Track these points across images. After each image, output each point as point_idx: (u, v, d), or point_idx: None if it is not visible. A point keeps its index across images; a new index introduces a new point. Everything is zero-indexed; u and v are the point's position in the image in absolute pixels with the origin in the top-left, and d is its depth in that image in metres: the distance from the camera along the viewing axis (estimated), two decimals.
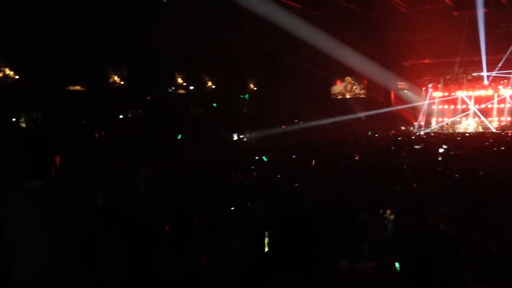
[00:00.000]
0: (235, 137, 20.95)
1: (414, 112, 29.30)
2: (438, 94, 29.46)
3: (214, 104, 23.23)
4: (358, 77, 29.07)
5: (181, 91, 23.67)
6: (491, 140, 16.78)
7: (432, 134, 24.47)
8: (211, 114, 21.88)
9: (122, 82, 20.52)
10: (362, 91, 29.98)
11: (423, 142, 16.22)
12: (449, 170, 8.30)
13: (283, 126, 22.54)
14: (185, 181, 7.17)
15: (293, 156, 11.67)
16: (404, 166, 8.84)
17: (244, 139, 21.25)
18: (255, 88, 26.67)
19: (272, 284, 1.78)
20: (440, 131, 26.98)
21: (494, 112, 27.69)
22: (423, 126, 28.88)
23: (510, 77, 25.46)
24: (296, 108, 25.24)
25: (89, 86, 18.74)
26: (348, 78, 29.97)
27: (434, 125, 29.34)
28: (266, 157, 11.05)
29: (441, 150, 12.50)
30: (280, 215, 1.92)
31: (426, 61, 26.58)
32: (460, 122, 28.40)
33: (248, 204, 5.43)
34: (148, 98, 20.25)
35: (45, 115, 15.89)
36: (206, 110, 22.57)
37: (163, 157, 10.08)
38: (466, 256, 3.19)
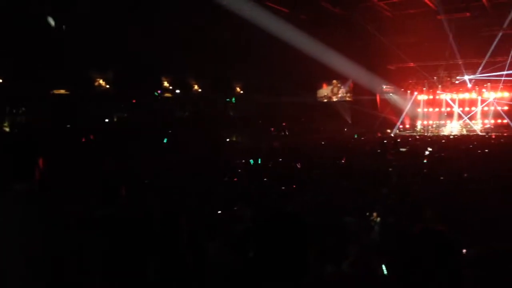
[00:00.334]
0: (223, 140, 20.91)
1: (400, 114, 29.61)
2: (423, 97, 29.82)
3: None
4: (344, 80, 29.32)
5: (167, 94, 23.60)
6: (475, 143, 16.97)
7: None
8: (198, 117, 21.82)
9: (107, 86, 20.37)
10: (348, 94, 30.22)
11: (408, 145, 16.35)
12: (434, 172, 8.36)
13: (272, 129, 22.58)
14: (172, 184, 7.12)
15: (280, 160, 11.66)
16: (390, 169, 8.89)
17: (231, 143, 21.22)
18: (241, 92, 26.68)
19: None
20: (424, 134, 27.22)
21: (478, 115, 28.10)
22: (402, 129, 29.32)
23: (492, 79, 25.88)
24: (282, 111, 25.32)
25: (74, 90, 18.56)
26: (334, 81, 30.20)
27: (419, 127, 29.68)
28: (253, 160, 11.03)
29: (426, 153, 12.62)
30: (267, 218, 1.89)
31: (411, 64, 26.87)
32: (445, 125, 28.74)
33: (235, 208, 5.39)
34: (134, 101, 20.13)
35: (29, 118, 15.69)
36: (192, 113, 22.52)
37: (149, 160, 10.02)
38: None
